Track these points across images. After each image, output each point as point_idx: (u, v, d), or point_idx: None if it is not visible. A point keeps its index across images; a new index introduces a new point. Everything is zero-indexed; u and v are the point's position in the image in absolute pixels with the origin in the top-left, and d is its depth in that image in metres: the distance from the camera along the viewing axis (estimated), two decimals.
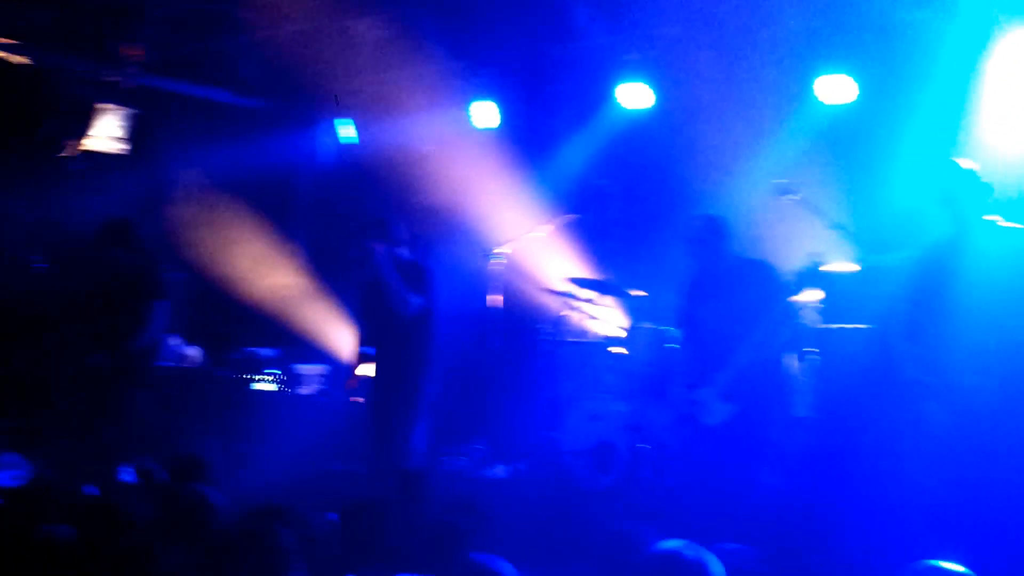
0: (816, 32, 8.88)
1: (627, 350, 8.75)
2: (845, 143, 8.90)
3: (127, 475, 6.17)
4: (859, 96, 8.72)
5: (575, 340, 9.18)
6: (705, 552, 3.45)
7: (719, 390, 6.78)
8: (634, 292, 8.98)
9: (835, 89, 8.77)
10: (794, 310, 6.91)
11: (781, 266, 8.69)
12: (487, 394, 9.16)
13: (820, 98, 8.79)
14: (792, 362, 7.97)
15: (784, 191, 7.87)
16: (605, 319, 9.23)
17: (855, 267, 7.73)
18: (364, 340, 7.67)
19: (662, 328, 8.62)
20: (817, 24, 8.87)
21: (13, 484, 4.82)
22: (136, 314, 7.99)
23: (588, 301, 9.06)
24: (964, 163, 6.06)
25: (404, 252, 7.48)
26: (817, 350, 7.55)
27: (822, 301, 7.56)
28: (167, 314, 8.10)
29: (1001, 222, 5.96)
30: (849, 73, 8.67)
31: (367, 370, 7.64)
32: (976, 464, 5.67)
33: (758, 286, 6.81)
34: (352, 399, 8.03)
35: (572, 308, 9.10)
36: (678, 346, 7.40)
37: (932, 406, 5.82)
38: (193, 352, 10.35)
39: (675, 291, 8.71)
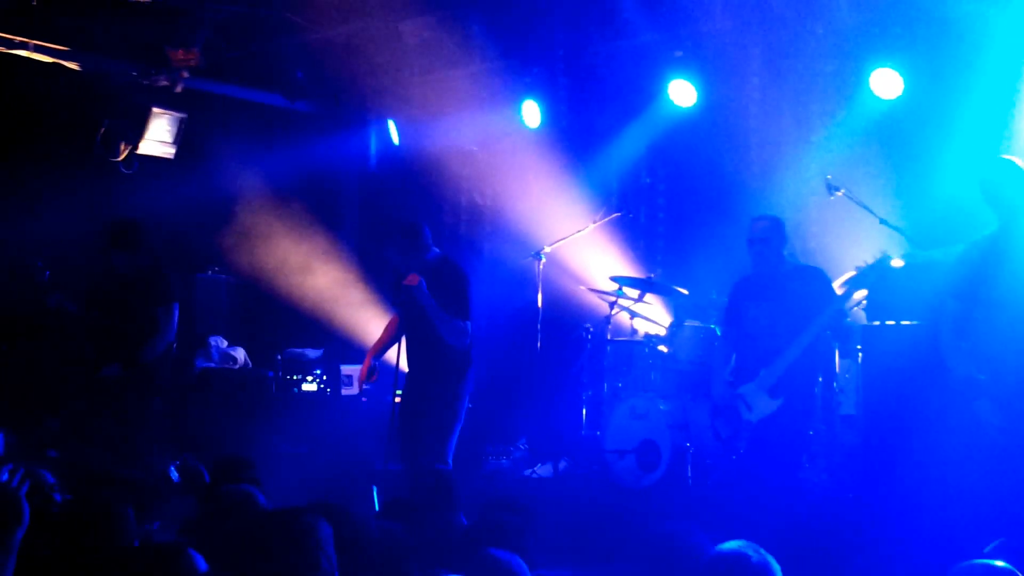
0: (867, 26, 8.72)
1: (671, 348, 8.68)
2: (895, 138, 8.77)
3: (171, 473, 6.17)
4: (910, 91, 8.56)
5: (619, 339, 9.14)
6: (767, 554, 3.41)
7: (765, 385, 6.72)
8: (679, 290, 8.89)
9: (887, 83, 8.61)
10: (844, 314, 6.80)
11: (831, 262, 8.67)
12: (531, 393, 9.12)
13: (875, 92, 8.62)
14: (839, 360, 7.89)
15: (833, 187, 7.77)
16: (649, 317, 9.16)
17: (903, 263, 7.57)
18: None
19: (707, 326, 8.56)
20: (868, 18, 8.72)
21: None
22: (146, 321, 7.92)
23: (633, 299, 9.00)
24: (1011, 159, 5.91)
25: (433, 253, 7.36)
26: (862, 348, 7.43)
27: (868, 298, 7.44)
28: (176, 318, 8.00)
29: None
30: (900, 67, 8.51)
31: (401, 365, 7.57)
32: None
33: (812, 292, 6.80)
34: (395, 399, 7.96)
35: (616, 306, 9.04)
36: (723, 343, 7.31)
37: (983, 403, 5.68)
38: (238, 353, 10.42)
39: (720, 290, 8.70)
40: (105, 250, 8.03)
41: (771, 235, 6.93)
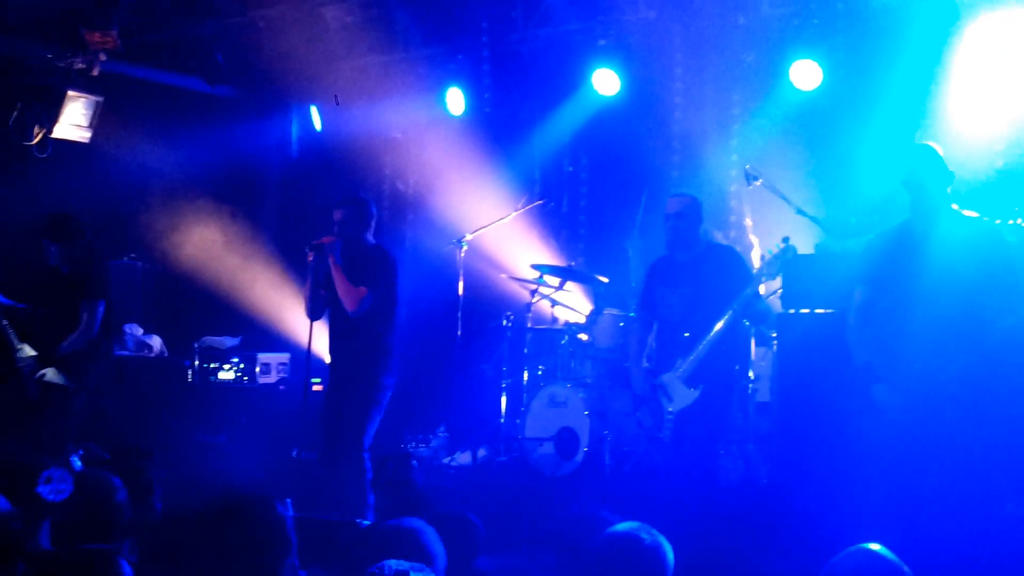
0: (788, 18, 8.80)
1: (591, 336, 8.68)
2: (814, 129, 8.86)
3: (74, 463, 6.01)
4: (829, 82, 8.64)
5: (539, 326, 9.15)
6: (659, 535, 3.40)
7: (683, 375, 6.73)
8: (599, 278, 8.90)
9: (807, 75, 8.68)
10: (759, 298, 6.82)
11: (748, 251, 8.73)
12: (450, 381, 9.07)
13: (795, 83, 8.69)
14: (754, 348, 7.95)
15: (752, 176, 7.80)
16: (570, 305, 9.16)
17: (817, 251, 7.65)
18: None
19: (626, 314, 8.57)
20: (789, 10, 8.79)
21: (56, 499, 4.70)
22: (70, 315, 7.74)
23: (553, 287, 8.99)
24: (929, 146, 5.97)
25: (368, 237, 7.31)
26: (777, 336, 7.48)
27: (784, 286, 7.49)
28: (100, 315, 7.81)
29: (961, 211, 5.88)
30: (819, 59, 8.59)
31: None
32: (925, 448, 5.60)
33: (726, 273, 6.77)
34: (313, 387, 7.87)
35: (537, 294, 9.02)
36: (639, 327, 7.30)
37: (880, 388, 5.75)
38: (154, 342, 10.25)
39: (640, 278, 8.72)
40: (38, 241, 7.85)
41: (687, 211, 6.86)
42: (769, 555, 5.90)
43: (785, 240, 6.62)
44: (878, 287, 5.96)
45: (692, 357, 6.69)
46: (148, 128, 10.73)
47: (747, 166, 7.87)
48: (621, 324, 8.54)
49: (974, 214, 5.89)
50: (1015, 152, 7.93)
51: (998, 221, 6.47)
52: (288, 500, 3.66)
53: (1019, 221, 6.88)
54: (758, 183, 7.80)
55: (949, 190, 5.87)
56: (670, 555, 3.36)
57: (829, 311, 7.05)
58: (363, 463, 7.10)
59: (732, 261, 6.92)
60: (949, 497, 5.53)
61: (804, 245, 7.72)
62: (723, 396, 6.88)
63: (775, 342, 7.54)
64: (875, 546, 3.45)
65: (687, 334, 6.74)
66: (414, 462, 7.99)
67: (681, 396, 6.73)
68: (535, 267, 8.98)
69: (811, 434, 6.82)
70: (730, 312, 6.60)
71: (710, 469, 6.89)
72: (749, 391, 7.88)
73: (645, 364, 7.09)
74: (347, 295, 7.07)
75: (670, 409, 6.77)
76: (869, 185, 8.14)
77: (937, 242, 5.77)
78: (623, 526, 3.43)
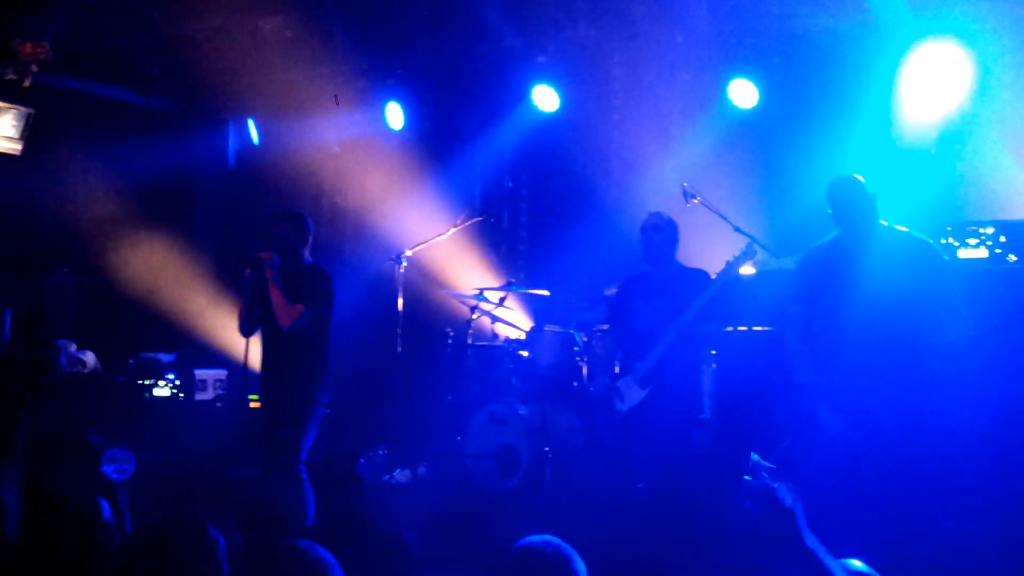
0: (725, 36, 8.88)
1: (531, 353, 8.69)
2: (751, 147, 8.94)
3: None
4: (765, 101, 8.75)
5: (480, 343, 9.13)
6: (568, 548, 3.37)
7: (636, 376, 6.92)
8: (539, 294, 8.91)
9: (744, 93, 8.79)
10: (721, 315, 6.92)
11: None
12: (390, 397, 9.02)
13: (732, 102, 8.78)
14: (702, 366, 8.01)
15: (689, 194, 7.87)
16: (510, 322, 9.17)
17: (754, 270, 7.72)
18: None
19: (566, 331, 8.60)
20: (726, 28, 8.87)
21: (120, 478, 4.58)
22: None
23: (493, 304, 8.99)
24: (852, 177, 6.00)
25: (305, 254, 7.26)
26: (715, 353, 7.55)
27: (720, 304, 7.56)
28: (7, 323, 7.60)
29: (893, 226, 5.95)
30: (755, 78, 8.69)
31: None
32: (867, 464, 5.66)
33: (696, 292, 6.89)
34: (250, 404, 7.79)
35: (477, 311, 9.02)
36: (610, 339, 7.37)
37: (823, 409, 5.79)
38: (87, 357, 10.07)
39: (580, 295, 8.77)
40: None
41: (665, 226, 7.06)
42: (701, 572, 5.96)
43: (749, 243, 6.74)
44: (812, 304, 6.01)
45: (647, 359, 6.89)
46: (82, 140, 10.57)
47: (685, 184, 7.93)
48: (561, 341, 8.56)
49: (905, 229, 5.97)
50: (948, 172, 8.08)
51: (943, 242, 6.58)
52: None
53: (949, 240, 7.02)
54: (695, 201, 7.87)
55: (875, 212, 5.92)
56: (580, 566, 3.33)
57: (766, 328, 7.12)
58: (299, 474, 7.04)
59: (703, 282, 7.01)
60: (891, 514, 5.59)
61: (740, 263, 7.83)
62: (671, 400, 6.93)
63: (713, 360, 7.61)
64: (856, 562, 3.48)
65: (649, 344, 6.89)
66: (361, 460, 7.95)
67: (632, 395, 6.91)
68: (475, 283, 8.98)
69: (749, 451, 6.86)
70: (684, 316, 6.69)
71: (640, 486, 6.98)
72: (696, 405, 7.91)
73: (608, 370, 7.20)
74: (283, 311, 7.00)
75: (619, 408, 6.93)
76: (805, 204, 8.22)
77: (870, 258, 5.82)
78: (532, 539, 3.41)
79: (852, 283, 5.80)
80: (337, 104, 10.50)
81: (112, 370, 10.13)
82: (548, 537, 3.43)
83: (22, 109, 10.00)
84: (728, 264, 6.81)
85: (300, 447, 7.04)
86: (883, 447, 5.65)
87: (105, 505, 4.23)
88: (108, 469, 4.31)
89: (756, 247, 6.91)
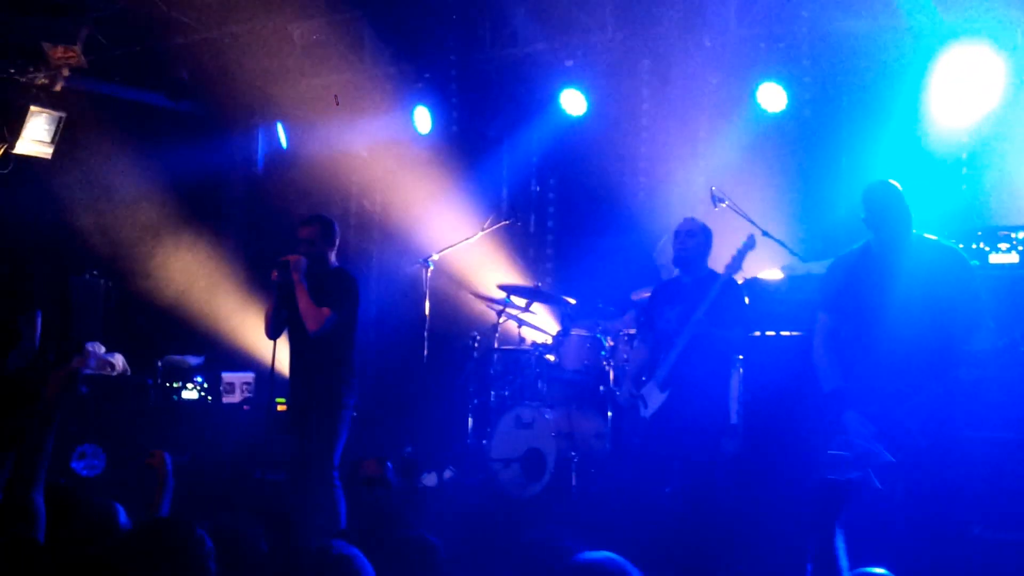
0: (754, 40, 8.85)
1: (557, 357, 8.68)
2: (780, 151, 8.90)
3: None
4: (795, 104, 8.71)
5: (506, 347, 9.13)
6: (629, 565, 3.32)
7: (658, 380, 6.84)
8: (566, 299, 8.90)
9: (773, 97, 8.74)
10: (744, 318, 6.87)
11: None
12: (417, 401, 9.03)
13: (761, 105, 8.74)
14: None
15: (718, 199, 7.84)
16: (537, 326, 9.16)
17: (783, 275, 7.68)
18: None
19: (593, 335, 8.58)
20: (755, 32, 8.84)
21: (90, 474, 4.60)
22: (6, 331, 7.51)
23: (520, 308, 8.98)
24: (888, 183, 5.95)
25: (332, 257, 7.26)
26: (743, 358, 7.50)
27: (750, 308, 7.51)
28: (39, 325, 7.59)
29: (923, 235, 5.90)
30: (786, 81, 8.65)
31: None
32: (896, 475, 5.61)
33: (722, 299, 6.80)
34: (278, 407, 7.81)
35: (504, 315, 9.01)
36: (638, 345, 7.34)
37: (851, 415, 5.73)
38: (116, 359, 10.13)
39: (606, 299, 8.75)
40: None
41: (699, 234, 6.98)
42: None
43: (750, 235, 6.74)
44: (841, 312, 5.96)
45: (667, 362, 6.80)
46: (111, 144, 10.64)
47: (713, 188, 7.91)
48: (588, 345, 8.54)
49: (933, 236, 5.91)
50: (979, 177, 8.01)
51: (961, 245, 6.52)
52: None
53: (980, 245, 6.96)
54: (724, 205, 7.85)
55: (908, 219, 5.87)
56: None
57: (794, 333, 7.08)
58: (333, 480, 7.05)
59: (730, 289, 6.92)
60: (918, 522, 5.54)
61: (770, 268, 7.80)
62: (693, 402, 6.86)
63: (740, 365, 7.56)
64: (879, 570, 3.44)
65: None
66: (389, 463, 7.96)
67: (654, 400, 6.84)
68: (502, 287, 8.97)
69: (776, 458, 6.83)
70: (698, 314, 6.65)
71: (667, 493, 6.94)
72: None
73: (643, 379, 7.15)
74: (309, 315, 7.01)
75: (644, 414, 6.88)
76: (835, 208, 8.19)
77: (900, 266, 5.77)
78: (593, 555, 3.37)
79: (882, 291, 5.75)
80: (337, 104, 10.52)
81: (141, 373, 10.20)
82: (610, 554, 3.38)
83: (53, 113, 10.06)
84: (732, 257, 6.76)
85: (332, 452, 7.04)
86: (911, 454, 5.60)
87: (121, 510, 4.24)
88: (78, 465, 4.31)
89: (756, 238, 6.84)
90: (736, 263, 6.75)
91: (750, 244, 6.77)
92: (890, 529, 5.53)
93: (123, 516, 4.22)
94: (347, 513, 7.06)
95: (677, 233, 7.02)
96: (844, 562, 3.56)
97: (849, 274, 5.97)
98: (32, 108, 9.96)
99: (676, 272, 7.15)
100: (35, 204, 10.11)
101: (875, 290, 5.78)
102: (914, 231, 5.86)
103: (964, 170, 8.13)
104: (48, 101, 10.07)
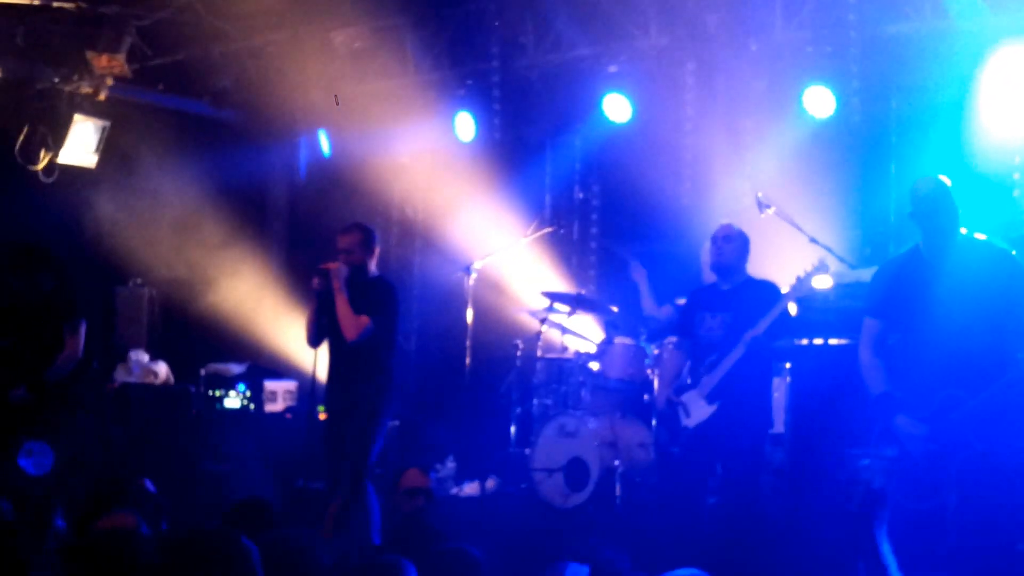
0: (801, 44, 8.72)
1: (601, 366, 8.59)
2: (827, 157, 8.77)
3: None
4: (843, 109, 8.56)
5: (549, 355, 9.05)
6: None
7: (703, 391, 6.74)
8: (610, 307, 8.81)
9: (820, 102, 8.61)
10: (789, 329, 6.76)
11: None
12: (459, 410, 8.98)
13: (808, 111, 8.61)
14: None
15: (764, 205, 7.75)
16: (580, 334, 9.08)
17: (831, 281, 7.54)
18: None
19: (637, 344, 8.49)
20: (802, 36, 8.72)
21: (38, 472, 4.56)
22: (51, 340, 7.48)
23: (563, 316, 8.90)
24: (937, 179, 5.84)
25: (372, 266, 7.25)
26: (791, 366, 7.39)
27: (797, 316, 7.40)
28: (83, 335, 7.53)
29: (973, 235, 5.77)
30: (833, 85, 8.51)
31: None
32: (945, 478, 5.47)
33: (764, 305, 6.74)
34: (319, 416, 7.79)
35: (547, 323, 8.93)
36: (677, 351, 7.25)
37: (903, 419, 5.61)
38: (159, 368, 10.17)
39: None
40: (2, 272, 7.52)
41: (736, 239, 6.92)
42: None
43: (821, 259, 6.61)
44: (889, 317, 5.84)
45: (714, 374, 6.71)
46: (155, 153, 10.71)
47: (759, 194, 7.82)
48: (632, 354, 8.44)
49: (984, 237, 5.77)
50: None
51: (1014, 252, 6.37)
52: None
53: None
54: (770, 211, 7.76)
55: (958, 217, 5.74)
56: None
57: (843, 341, 6.95)
58: (366, 489, 7.03)
59: (772, 294, 6.86)
60: (968, 531, 5.40)
61: (820, 275, 7.66)
62: (741, 415, 6.78)
63: (788, 374, 7.45)
64: None
65: (721, 356, 6.74)
66: (431, 473, 7.95)
67: (699, 411, 6.74)
68: (545, 295, 8.90)
69: (824, 467, 6.72)
70: (753, 331, 6.55)
71: (716, 505, 6.84)
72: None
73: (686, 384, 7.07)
74: (349, 323, 7.01)
75: (686, 424, 6.77)
76: (884, 213, 8.07)
77: (950, 267, 5.64)
78: (679, 572, 3.29)
79: (931, 294, 5.63)
80: (337, 105, 10.49)
81: (184, 381, 10.23)
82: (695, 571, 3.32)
83: (98, 122, 10.13)
84: (799, 279, 6.66)
85: (367, 458, 7.02)
86: (967, 460, 5.46)
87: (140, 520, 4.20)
88: (27, 463, 4.24)
89: (829, 262, 6.73)
90: (802, 285, 6.65)
91: (822, 268, 6.67)
92: (939, 536, 5.41)
93: (144, 527, 4.18)
94: (385, 524, 7.03)
95: (714, 239, 6.96)
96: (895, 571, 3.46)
97: (896, 278, 5.86)
98: (76, 117, 10.04)
99: (713, 278, 7.07)
100: (79, 213, 10.18)
101: (924, 293, 5.65)
102: (964, 231, 5.73)
103: (1016, 175, 7.96)
104: (92, 110, 10.14)
